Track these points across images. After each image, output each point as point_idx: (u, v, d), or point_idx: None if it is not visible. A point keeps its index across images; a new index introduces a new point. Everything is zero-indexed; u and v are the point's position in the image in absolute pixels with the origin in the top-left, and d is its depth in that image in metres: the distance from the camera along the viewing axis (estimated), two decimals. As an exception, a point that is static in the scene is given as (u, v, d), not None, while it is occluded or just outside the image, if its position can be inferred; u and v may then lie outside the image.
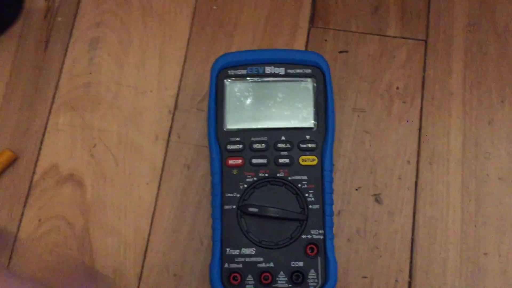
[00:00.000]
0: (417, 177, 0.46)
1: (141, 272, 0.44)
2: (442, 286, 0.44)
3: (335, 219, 0.44)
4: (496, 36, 0.49)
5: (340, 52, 0.49)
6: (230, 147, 0.40)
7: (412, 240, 0.45)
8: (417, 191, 0.46)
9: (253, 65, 0.41)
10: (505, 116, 0.47)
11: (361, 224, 0.45)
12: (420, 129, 0.47)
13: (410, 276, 0.44)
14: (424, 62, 0.49)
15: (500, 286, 0.43)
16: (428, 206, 0.45)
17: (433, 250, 0.44)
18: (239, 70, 0.41)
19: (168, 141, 0.47)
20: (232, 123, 0.40)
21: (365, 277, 0.44)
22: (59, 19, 0.50)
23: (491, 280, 0.44)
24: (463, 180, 0.46)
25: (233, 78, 0.41)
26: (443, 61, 0.49)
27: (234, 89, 0.41)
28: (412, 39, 0.49)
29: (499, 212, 0.45)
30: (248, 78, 0.41)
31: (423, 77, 0.48)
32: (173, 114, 0.47)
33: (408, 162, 0.46)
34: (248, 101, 0.41)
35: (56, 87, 0.48)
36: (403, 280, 0.44)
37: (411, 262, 0.44)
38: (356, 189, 0.46)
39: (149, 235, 0.45)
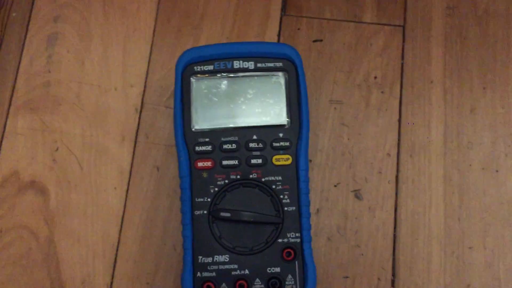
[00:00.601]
0: (398, 170, 0.44)
1: (111, 282, 0.42)
2: (427, 282, 0.42)
3: (313, 217, 0.42)
4: (477, 20, 0.47)
5: (314, 41, 0.47)
6: (198, 148, 0.38)
7: (394, 236, 0.43)
8: (398, 185, 0.44)
9: (220, 60, 0.38)
10: (487, 104, 0.45)
11: (341, 221, 0.43)
12: (399, 120, 0.45)
13: (393, 274, 0.42)
14: (402, 49, 0.47)
15: (486, 280, 0.42)
16: (410, 200, 0.44)
17: (416, 246, 0.43)
18: (205, 66, 0.38)
19: (135, 141, 0.44)
20: (200, 123, 0.38)
21: (346, 277, 0.42)
22: (14, 14, 0.46)
23: (476, 274, 0.42)
24: (445, 171, 0.44)
25: (200, 75, 0.39)
26: (422, 47, 0.47)
27: (201, 86, 0.38)
28: (389, 25, 0.47)
29: (484, 204, 0.43)
30: (215, 74, 0.38)
31: (402, 65, 0.46)
32: (140, 113, 0.45)
33: (388, 154, 0.45)
34: (217, 98, 0.38)
35: (13, 88, 0.45)
36: (386, 278, 0.42)
37: (393, 259, 0.43)
38: (335, 185, 0.44)
39: (118, 242, 0.42)
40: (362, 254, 0.43)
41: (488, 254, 0.43)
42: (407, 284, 0.42)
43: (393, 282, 0.42)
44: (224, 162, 0.38)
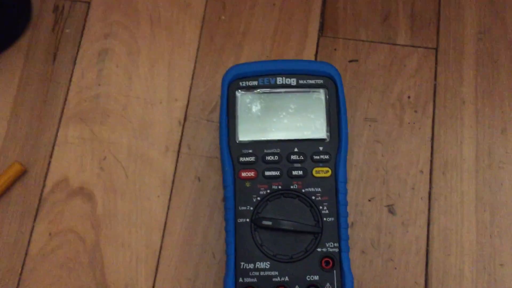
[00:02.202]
0: (430, 187, 0.46)
1: (153, 286, 0.43)
2: (458, 297, 0.43)
3: (348, 231, 0.44)
4: (507, 44, 0.49)
5: (350, 61, 0.49)
6: (242, 159, 0.40)
7: (427, 251, 0.44)
8: (431, 201, 0.45)
9: (264, 76, 0.41)
10: (518, 124, 0.47)
11: (375, 235, 0.44)
12: (432, 138, 0.47)
13: (426, 287, 0.43)
14: (435, 71, 0.48)
15: (517, 297, 0.43)
16: (443, 217, 0.45)
17: (448, 262, 0.44)
18: (250, 81, 0.41)
19: (178, 152, 0.46)
20: (244, 135, 0.40)
21: (379, 289, 0.43)
22: (67, 31, 0.49)
23: (507, 291, 0.43)
24: (477, 189, 0.45)
25: (245, 90, 0.41)
26: (454, 69, 0.48)
27: (245, 100, 0.41)
28: (422, 47, 0.49)
29: (514, 222, 0.45)
30: (260, 89, 0.41)
31: (434, 85, 0.48)
32: (183, 126, 0.47)
33: (421, 171, 0.46)
34: (260, 112, 0.40)
35: (65, 100, 0.48)
36: (418, 292, 0.43)
37: (426, 273, 0.44)
38: (369, 200, 0.45)
39: (160, 248, 0.44)
40: (395, 268, 0.44)
41: (520, 272, 0.43)
42: (439, 298, 0.43)
43: (425, 295, 0.43)
44: (267, 173, 0.39)
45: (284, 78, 0.41)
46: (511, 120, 0.47)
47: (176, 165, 0.46)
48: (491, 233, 0.44)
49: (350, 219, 0.44)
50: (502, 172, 0.46)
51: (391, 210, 0.45)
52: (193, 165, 0.46)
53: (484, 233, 0.44)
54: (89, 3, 0.50)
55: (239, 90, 0.41)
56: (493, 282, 0.43)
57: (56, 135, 0.47)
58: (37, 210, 0.45)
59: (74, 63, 0.48)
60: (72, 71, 0.48)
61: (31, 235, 0.44)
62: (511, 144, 0.46)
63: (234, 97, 0.40)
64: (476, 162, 0.46)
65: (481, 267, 0.44)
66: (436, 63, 0.49)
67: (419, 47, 0.49)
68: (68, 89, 0.48)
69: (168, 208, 0.45)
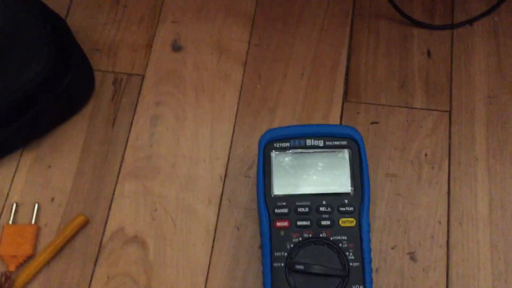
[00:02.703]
0: (448, 236, 0.50)
1: (197, 325, 0.48)
2: None
3: (373, 276, 0.48)
4: (515, 106, 0.54)
5: (372, 123, 0.55)
6: (277, 210, 0.45)
7: (447, 296, 0.48)
8: (449, 250, 0.50)
9: (295, 138, 0.47)
10: (527, 179, 0.51)
11: (398, 280, 0.49)
12: (448, 192, 0.52)
13: (446, 330, 0.47)
14: (449, 131, 0.54)
15: None
16: (461, 263, 0.49)
17: (467, 306, 0.48)
18: (283, 143, 0.47)
19: (220, 205, 0.52)
20: (278, 190, 0.46)
21: (403, 331, 0.47)
22: (124, 100, 0.57)
23: (524, 335, 0.46)
24: (491, 239, 0.50)
25: (278, 150, 0.47)
26: (466, 130, 0.54)
27: (279, 159, 0.47)
28: (437, 110, 0.55)
29: (528, 269, 0.48)
30: (291, 150, 0.47)
31: (449, 144, 0.53)
32: (224, 181, 0.53)
33: (439, 222, 0.51)
34: (292, 170, 0.46)
35: (122, 159, 0.55)
36: (439, 334, 0.47)
37: (446, 317, 0.47)
38: (392, 248, 0.50)
39: (204, 291, 0.49)
40: (418, 311, 0.48)
41: (535, 316, 0.47)
42: None
43: (446, 338, 0.47)
44: (299, 223, 0.45)
45: (312, 140, 0.47)
46: (521, 175, 0.52)
47: (218, 216, 0.52)
48: (506, 279, 0.48)
49: (374, 266, 0.49)
50: (514, 223, 0.50)
51: (412, 257, 0.50)
52: (233, 216, 0.52)
53: (499, 279, 0.48)
54: (143, 76, 0.58)
55: (274, 151, 0.47)
56: (510, 326, 0.47)
57: (114, 190, 0.53)
58: (97, 256, 0.51)
59: (130, 128, 0.56)
60: (129, 135, 0.56)
61: (91, 278, 0.50)
62: (522, 197, 0.51)
63: (269, 156, 0.47)
64: (490, 213, 0.51)
65: (498, 311, 0.47)
66: (450, 124, 0.54)
67: (434, 110, 0.55)
68: (125, 150, 0.55)
69: (211, 254, 0.50)
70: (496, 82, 0.55)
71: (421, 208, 0.51)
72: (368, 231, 0.45)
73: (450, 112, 0.55)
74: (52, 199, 0.53)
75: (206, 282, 0.49)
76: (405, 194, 0.52)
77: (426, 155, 0.53)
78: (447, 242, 0.50)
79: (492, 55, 0.56)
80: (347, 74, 0.57)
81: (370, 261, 0.44)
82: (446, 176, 0.52)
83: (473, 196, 0.51)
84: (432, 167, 0.53)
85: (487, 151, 0.53)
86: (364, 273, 0.43)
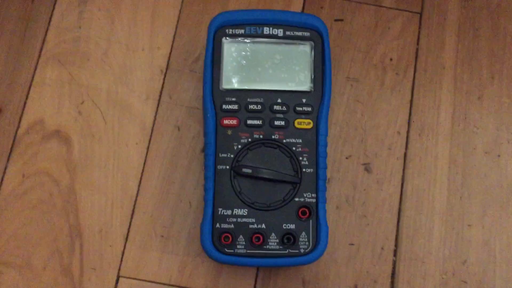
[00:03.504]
0: (406, 148, 0.47)
1: (128, 232, 0.43)
2: (427, 254, 0.44)
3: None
4: (489, 14, 0.50)
5: (336, 20, 0.49)
6: (225, 107, 0.39)
7: (399, 209, 0.45)
8: (406, 162, 0.46)
9: (251, 25, 0.40)
10: (494, 92, 0.48)
11: (350, 192, 0.45)
12: (411, 101, 0.48)
13: (396, 244, 0.45)
14: (418, 35, 0.49)
15: (482, 257, 0.44)
16: (416, 177, 0.46)
17: (419, 220, 0.45)
18: (237, 29, 0.40)
19: (159, 101, 0.46)
20: (228, 83, 0.40)
21: (352, 244, 0.44)
22: (48, -30, 0.48)
23: (473, 251, 0.45)
24: (450, 152, 0.47)
25: (231, 37, 0.40)
26: (436, 34, 0.49)
27: (231, 48, 0.40)
28: (407, 11, 0.49)
29: (484, 186, 0.46)
30: (246, 38, 0.40)
31: (417, 49, 0.49)
32: (165, 74, 0.46)
33: (399, 133, 0.47)
34: (245, 61, 0.40)
35: (44, 40, 0.46)
36: (388, 248, 0.44)
37: (397, 230, 0.45)
38: (346, 158, 0.46)
39: (136, 195, 0.44)
40: (368, 224, 0.45)
41: (486, 233, 0.45)
42: (408, 254, 0.44)
43: (395, 252, 0.44)
44: (249, 122, 0.39)
45: (271, 28, 0.40)
46: (487, 87, 0.48)
47: (156, 113, 0.45)
48: (461, 195, 0.46)
49: (326, 175, 0.45)
50: (475, 137, 0.47)
51: (367, 168, 0.46)
52: (174, 114, 0.46)
53: (455, 195, 0.46)
54: None
55: (225, 37, 0.40)
56: (460, 241, 0.45)
57: (33, 76, 0.45)
58: (11, 150, 0.44)
59: (54, 4, 0.47)
60: (52, 12, 0.47)
61: (3, 175, 0.43)
62: (486, 110, 0.48)
63: (220, 44, 0.40)
64: (451, 126, 0.47)
65: (450, 226, 0.45)
66: (419, 28, 0.49)
67: (404, 10, 0.49)
68: (47, 30, 0.46)
69: (146, 156, 0.45)
70: (473, -16, 0.50)
71: (381, 116, 0.47)
72: (326, 135, 0.40)
73: (421, 14, 0.49)
74: (-45, 82, 0.44)
75: (139, 186, 0.44)
76: (365, 100, 0.47)
77: (391, 59, 0.48)
78: (405, 154, 0.46)
79: (472, -46, 0.51)
80: (312, -39, 0.50)
81: (325, 167, 0.40)
82: (410, 84, 0.48)
83: (436, 107, 0.47)
84: (397, 73, 0.48)
85: (455, 59, 0.49)
86: (317, 181, 0.39)
